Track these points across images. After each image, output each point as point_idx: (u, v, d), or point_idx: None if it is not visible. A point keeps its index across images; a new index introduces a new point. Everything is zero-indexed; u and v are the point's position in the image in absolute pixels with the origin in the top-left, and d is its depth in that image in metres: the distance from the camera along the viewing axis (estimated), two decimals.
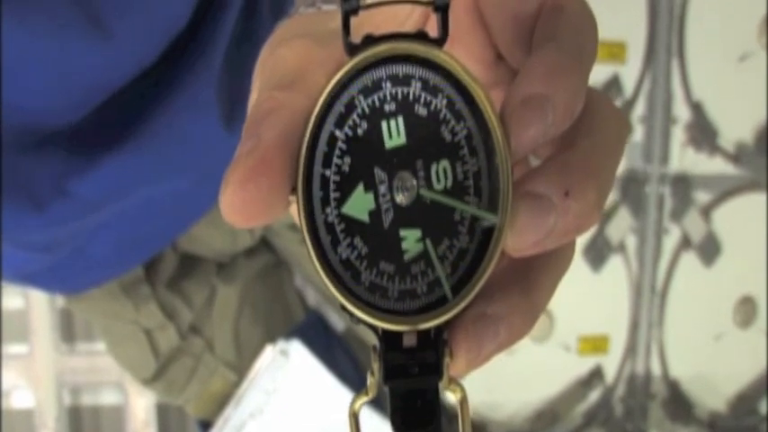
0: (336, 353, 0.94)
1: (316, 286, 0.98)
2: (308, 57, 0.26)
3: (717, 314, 1.18)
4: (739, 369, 1.20)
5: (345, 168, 0.23)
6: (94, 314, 0.86)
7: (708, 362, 1.18)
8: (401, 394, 0.24)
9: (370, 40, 0.24)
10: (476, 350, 0.24)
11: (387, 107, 0.24)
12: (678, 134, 1.13)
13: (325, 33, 0.27)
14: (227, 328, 0.89)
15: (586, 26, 0.25)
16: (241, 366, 0.90)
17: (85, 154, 0.62)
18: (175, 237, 0.82)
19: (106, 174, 0.63)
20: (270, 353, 0.90)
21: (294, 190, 0.23)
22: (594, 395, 1.17)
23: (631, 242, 1.15)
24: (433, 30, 0.24)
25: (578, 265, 1.11)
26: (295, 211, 0.24)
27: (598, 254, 1.13)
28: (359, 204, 0.24)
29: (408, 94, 0.24)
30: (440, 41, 0.24)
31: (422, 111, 0.24)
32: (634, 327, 1.16)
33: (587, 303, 1.13)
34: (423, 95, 0.24)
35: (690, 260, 1.16)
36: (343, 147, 0.23)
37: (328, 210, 0.23)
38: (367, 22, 0.25)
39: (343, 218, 0.24)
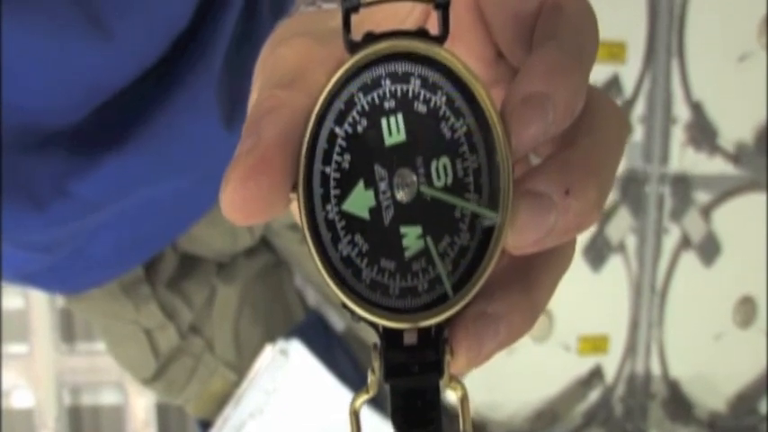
0: (336, 353, 0.94)
1: (316, 286, 0.98)
2: (309, 55, 0.26)
3: (717, 314, 1.17)
4: (739, 369, 1.20)
5: (345, 165, 0.23)
6: (94, 314, 0.86)
7: (708, 362, 1.18)
8: (402, 392, 0.24)
9: (370, 38, 0.23)
10: (476, 348, 0.24)
11: (386, 104, 0.24)
12: (678, 134, 1.13)
13: (325, 32, 0.27)
14: (227, 328, 0.89)
15: (587, 25, 0.26)
16: (241, 366, 0.90)
17: (86, 154, 0.62)
18: (175, 237, 0.82)
19: (107, 174, 0.63)
20: (270, 353, 0.90)
21: (294, 187, 0.23)
22: (594, 395, 1.17)
23: (631, 242, 1.14)
24: (433, 27, 0.24)
25: (578, 265, 1.11)
26: (295, 209, 0.24)
27: (598, 254, 1.13)
28: (359, 201, 0.23)
29: (408, 91, 0.24)
30: (440, 39, 0.24)
31: (421, 108, 0.24)
32: (634, 326, 1.16)
33: (587, 303, 1.13)
34: (422, 92, 0.24)
35: (690, 260, 1.16)
36: (344, 144, 0.23)
37: (329, 207, 0.23)
38: (367, 20, 0.25)
39: (344, 215, 0.23)
